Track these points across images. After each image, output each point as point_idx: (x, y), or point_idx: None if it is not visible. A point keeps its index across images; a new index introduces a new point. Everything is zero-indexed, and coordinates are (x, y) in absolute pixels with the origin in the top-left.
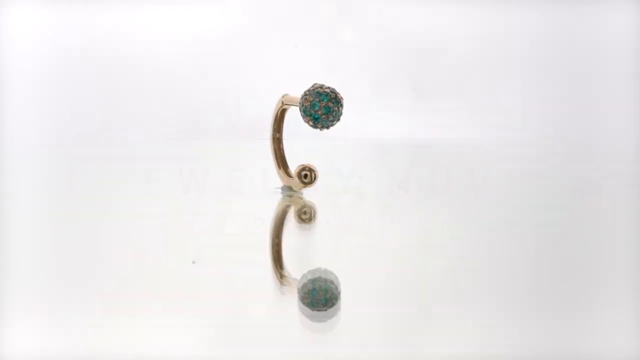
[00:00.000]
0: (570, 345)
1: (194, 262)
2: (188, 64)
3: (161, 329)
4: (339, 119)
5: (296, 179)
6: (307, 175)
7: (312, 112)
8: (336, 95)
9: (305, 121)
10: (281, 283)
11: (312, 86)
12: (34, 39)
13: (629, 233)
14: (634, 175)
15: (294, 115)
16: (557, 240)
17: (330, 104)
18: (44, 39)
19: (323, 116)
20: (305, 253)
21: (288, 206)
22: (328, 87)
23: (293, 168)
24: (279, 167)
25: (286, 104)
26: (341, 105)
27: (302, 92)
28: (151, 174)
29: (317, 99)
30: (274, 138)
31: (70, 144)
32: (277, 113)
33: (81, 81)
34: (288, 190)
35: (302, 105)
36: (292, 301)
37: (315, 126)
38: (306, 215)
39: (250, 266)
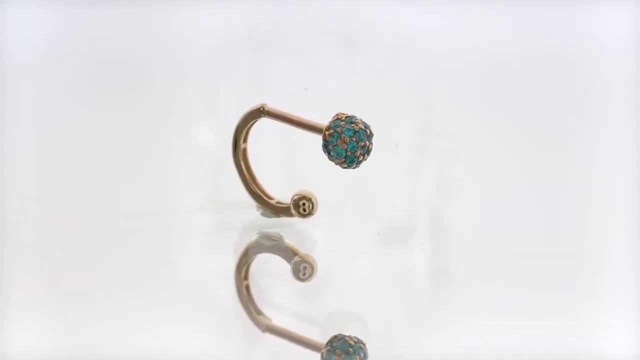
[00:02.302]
0: (570, 345)
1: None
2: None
3: (161, 329)
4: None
5: (292, 210)
6: (306, 205)
7: (350, 154)
8: (370, 131)
9: (336, 162)
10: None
11: (341, 119)
12: (34, 39)
13: (629, 233)
14: (634, 177)
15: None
16: (557, 241)
17: (368, 143)
18: (45, 39)
19: (360, 157)
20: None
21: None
22: (362, 121)
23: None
24: (251, 184)
25: (268, 117)
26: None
27: (327, 125)
28: None
29: (356, 139)
30: (239, 149)
31: (70, 143)
32: (250, 122)
33: (82, 81)
34: (262, 210)
35: (335, 145)
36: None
37: (348, 167)
38: (304, 277)
39: None
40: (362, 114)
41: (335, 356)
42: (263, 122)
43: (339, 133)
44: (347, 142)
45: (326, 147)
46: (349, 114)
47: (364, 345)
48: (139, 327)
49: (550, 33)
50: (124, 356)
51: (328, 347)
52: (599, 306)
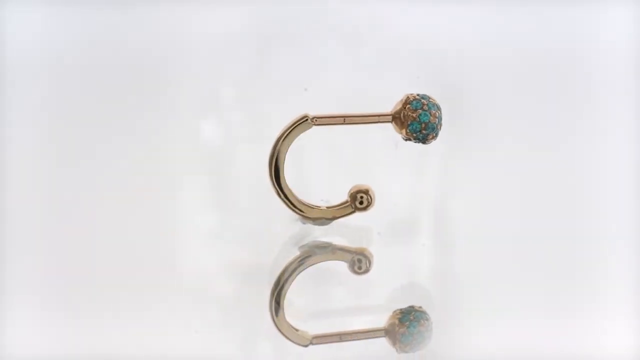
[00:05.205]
0: (570, 345)
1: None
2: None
3: (162, 329)
4: None
5: (350, 203)
6: (364, 198)
7: (439, 127)
8: None
9: (427, 138)
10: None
11: (417, 99)
12: (34, 39)
13: (629, 234)
14: (634, 178)
15: None
16: (557, 241)
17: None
18: (45, 39)
19: (440, 129)
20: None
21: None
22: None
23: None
24: (296, 200)
25: (319, 124)
26: None
27: (408, 107)
28: None
29: (440, 112)
30: (282, 169)
31: (70, 142)
32: (297, 137)
33: (82, 81)
34: (313, 221)
35: (428, 122)
36: None
37: (434, 140)
38: (361, 270)
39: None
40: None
41: (420, 327)
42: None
43: (426, 110)
44: (437, 116)
45: (416, 128)
46: (415, 92)
47: None
48: (140, 327)
49: (551, 32)
50: (124, 356)
51: (407, 323)
52: (599, 305)
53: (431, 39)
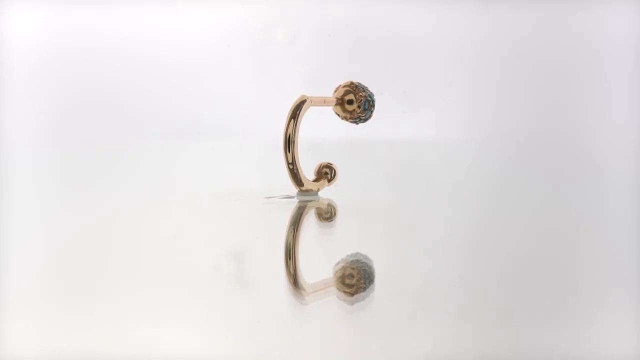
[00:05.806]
0: (570, 345)
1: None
2: (187, 65)
3: (163, 329)
4: None
5: (320, 179)
6: (328, 173)
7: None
8: None
9: (368, 116)
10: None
11: (358, 83)
12: (34, 39)
13: (628, 234)
14: (634, 178)
15: None
16: (557, 242)
17: None
18: (45, 39)
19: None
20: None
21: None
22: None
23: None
24: (298, 172)
25: (313, 105)
26: None
27: (362, 90)
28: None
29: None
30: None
31: (69, 143)
32: (302, 116)
33: (81, 81)
34: (305, 195)
35: (372, 99)
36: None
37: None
38: (327, 215)
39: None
40: None
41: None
42: None
43: (366, 90)
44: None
45: (370, 105)
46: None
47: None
48: (139, 327)
49: (551, 32)
50: (123, 356)
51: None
52: (598, 307)
53: (430, 38)
